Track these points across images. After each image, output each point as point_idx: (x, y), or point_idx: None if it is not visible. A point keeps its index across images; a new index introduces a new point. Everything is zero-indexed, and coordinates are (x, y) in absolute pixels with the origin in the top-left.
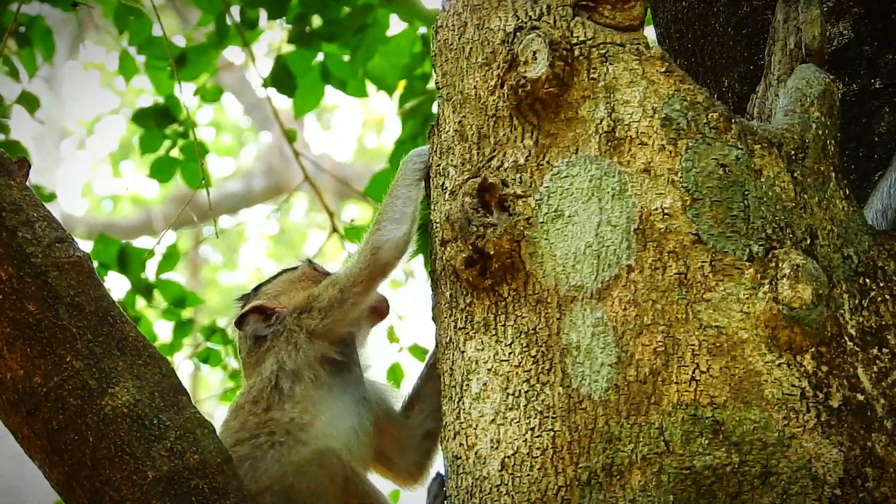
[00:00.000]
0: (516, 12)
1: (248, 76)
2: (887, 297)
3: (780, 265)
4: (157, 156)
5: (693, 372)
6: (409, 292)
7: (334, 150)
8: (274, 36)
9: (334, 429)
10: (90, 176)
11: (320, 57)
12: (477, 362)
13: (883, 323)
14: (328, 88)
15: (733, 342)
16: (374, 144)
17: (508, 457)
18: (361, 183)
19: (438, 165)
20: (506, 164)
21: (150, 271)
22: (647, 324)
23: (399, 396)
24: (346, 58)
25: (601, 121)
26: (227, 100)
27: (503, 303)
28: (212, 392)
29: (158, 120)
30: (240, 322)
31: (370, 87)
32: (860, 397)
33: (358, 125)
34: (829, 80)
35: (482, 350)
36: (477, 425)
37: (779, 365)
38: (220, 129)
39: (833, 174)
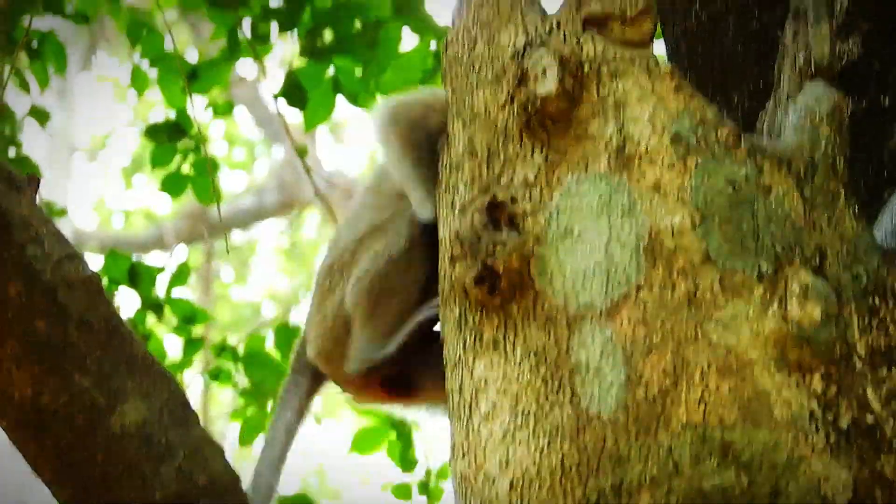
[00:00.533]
0: (526, 28)
1: (261, 90)
2: None
3: (789, 284)
4: (168, 170)
5: (702, 392)
6: None
7: (347, 165)
8: (286, 50)
9: None
10: (102, 190)
11: (332, 70)
12: (486, 381)
13: (892, 343)
14: (341, 103)
15: (742, 362)
16: None
17: (517, 477)
18: None
19: (448, 182)
20: (515, 181)
21: (160, 287)
22: (657, 343)
23: None
24: (358, 72)
25: (611, 137)
26: (239, 114)
27: (512, 321)
28: (222, 410)
29: (170, 134)
30: None
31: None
32: (869, 418)
33: (371, 140)
34: (838, 96)
35: (491, 369)
36: (486, 445)
37: (788, 385)
38: (232, 142)
39: (842, 192)
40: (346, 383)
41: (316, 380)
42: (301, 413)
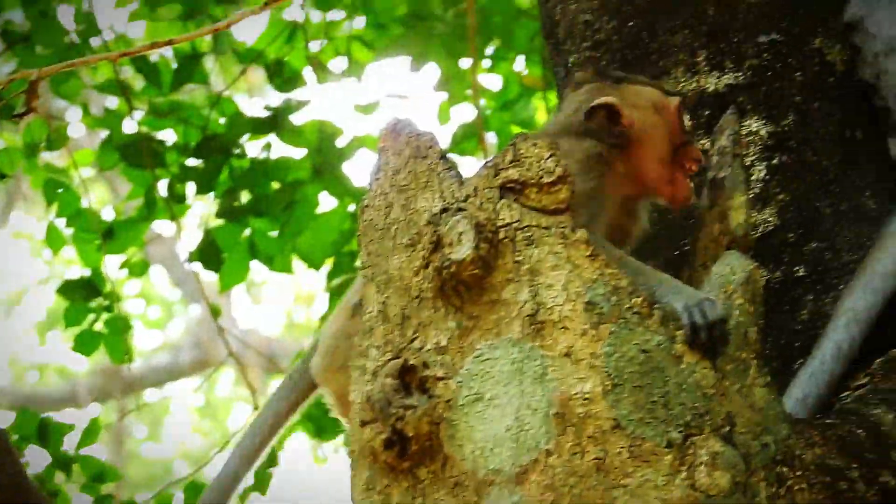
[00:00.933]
0: (443, 193)
1: (178, 249)
2: (804, 485)
3: (698, 452)
4: (81, 329)
5: None
6: (330, 471)
7: (264, 324)
8: (204, 208)
9: None
10: (16, 346)
11: (248, 232)
12: None
13: None
14: (258, 264)
15: None
16: (304, 319)
17: None
18: (290, 358)
19: (360, 346)
20: (428, 346)
21: (71, 444)
22: None
23: None
24: (275, 233)
25: (524, 304)
26: (156, 272)
27: (421, 485)
28: None
29: (84, 292)
30: (591, 113)
31: (300, 262)
32: None
33: (289, 299)
34: (752, 266)
35: None
36: None
37: None
38: (149, 300)
39: (754, 361)
40: (340, 400)
41: (309, 389)
42: (285, 416)
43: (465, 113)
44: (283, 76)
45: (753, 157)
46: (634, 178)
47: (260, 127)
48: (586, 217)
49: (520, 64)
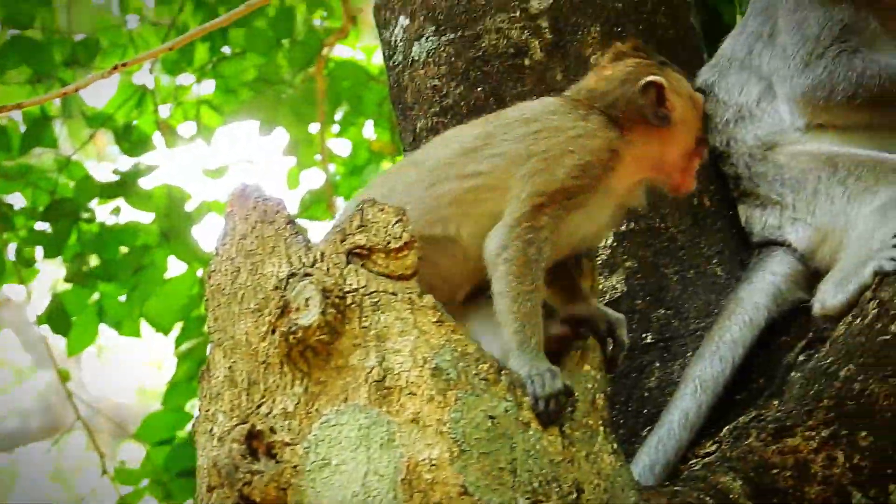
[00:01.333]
0: (290, 259)
1: (27, 313)
2: None
3: None
4: None
5: None
6: None
7: (115, 389)
8: (54, 272)
9: None
10: None
11: (97, 296)
12: None
13: None
14: (107, 328)
15: None
16: (154, 385)
17: None
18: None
19: (207, 411)
20: (275, 411)
21: None
22: None
23: None
24: (123, 297)
25: (371, 370)
26: (5, 336)
27: None
28: None
29: None
30: (645, 88)
31: (149, 326)
32: None
33: (139, 365)
34: None
35: None
36: None
37: None
38: None
39: (602, 428)
40: None
41: None
42: None
43: (313, 178)
44: (132, 140)
45: None
46: (652, 163)
47: (109, 191)
48: (551, 216)
49: (368, 129)
